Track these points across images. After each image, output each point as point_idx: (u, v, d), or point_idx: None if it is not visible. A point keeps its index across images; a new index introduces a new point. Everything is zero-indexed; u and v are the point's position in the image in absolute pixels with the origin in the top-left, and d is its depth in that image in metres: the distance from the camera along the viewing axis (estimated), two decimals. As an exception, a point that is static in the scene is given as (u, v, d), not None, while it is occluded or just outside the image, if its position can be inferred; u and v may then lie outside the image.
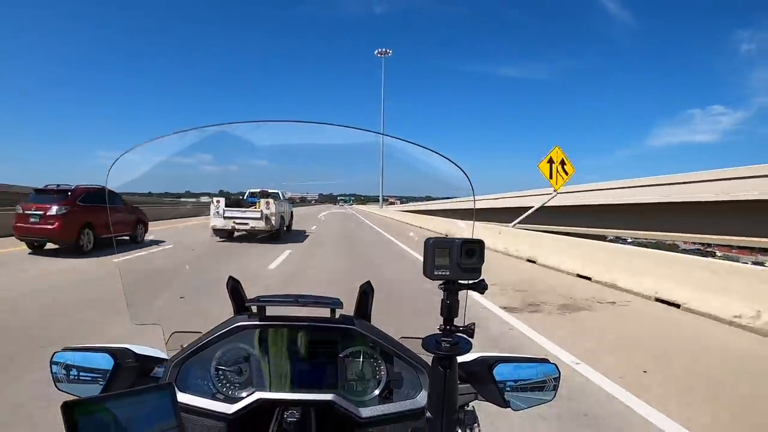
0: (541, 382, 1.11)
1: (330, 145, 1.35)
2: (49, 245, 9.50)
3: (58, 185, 9.74)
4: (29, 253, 9.31)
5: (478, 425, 1.19)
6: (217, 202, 8.21)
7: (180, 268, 3.80)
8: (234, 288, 1.28)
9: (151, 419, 0.74)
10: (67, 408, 0.67)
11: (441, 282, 0.79)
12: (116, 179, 1.19)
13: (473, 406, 1.17)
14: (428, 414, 0.81)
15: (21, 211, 9.27)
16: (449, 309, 0.79)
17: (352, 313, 1.27)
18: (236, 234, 8.81)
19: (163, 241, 10.43)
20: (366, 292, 1.30)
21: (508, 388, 1.08)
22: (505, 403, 1.08)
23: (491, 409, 1.15)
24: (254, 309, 1.20)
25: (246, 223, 8.21)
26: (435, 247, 0.78)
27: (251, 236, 9.16)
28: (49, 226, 8.98)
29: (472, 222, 1.40)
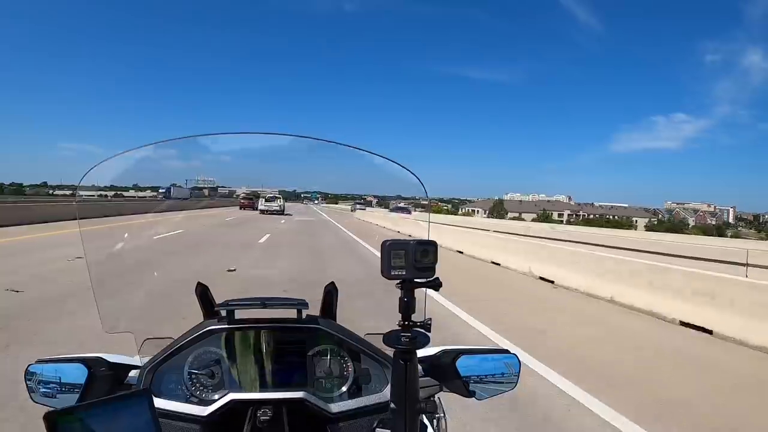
0: (503, 372, 1.18)
1: (295, 148, 1.41)
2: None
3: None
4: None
5: (444, 414, 1.25)
6: (263, 198, 12.72)
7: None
8: (203, 293, 1.30)
9: (130, 425, 0.77)
10: (50, 419, 0.70)
11: (398, 281, 0.84)
12: (95, 178, 1.28)
13: (438, 398, 1.23)
14: (392, 405, 0.85)
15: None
16: (406, 306, 0.84)
17: (318, 313, 1.31)
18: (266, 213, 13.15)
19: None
20: (331, 292, 1.34)
21: (472, 380, 1.14)
22: (469, 394, 1.14)
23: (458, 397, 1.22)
24: (223, 313, 1.22)
25: (272, 208, 12.77)
26: (391, 248, 0.83)
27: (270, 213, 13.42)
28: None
29: (429, 223, 1.48)
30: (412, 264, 0.83)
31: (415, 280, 0.84)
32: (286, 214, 11.33)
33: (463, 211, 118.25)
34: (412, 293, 0.85)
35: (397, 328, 0.85)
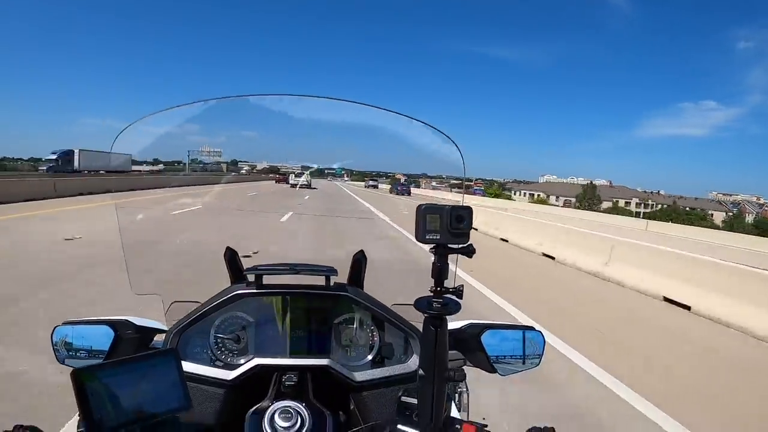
0: (527, 349, 1.16)
1: (322, 121, 1.36)
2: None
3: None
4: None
5: (467, 390, 1.23)
6: (293, 174, 12.85)
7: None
8: (231, 258, 1.30)
9: (157, 383, 0.77)
10: (76, 375, 0.70)
11: (432, 246, 0.82)
12: (122, 148, 1.27)
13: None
14: (420, 372, 0.84)
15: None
16: (440, 272, 0.81)
17: (345, 282, 1.30)
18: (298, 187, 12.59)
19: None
20: (359, 261, 1.33)
21: (496, 355, 1.13)
22: (492, 369, 1.13)
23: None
24: (251, 278, 1.23)
25: (301, 183, 12.57)
26: (426, 212, 0.80)
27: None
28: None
29: (462, 194, 1.43)
30: (447, 229, 0.80)
31: (449, 245, 0.81)
32: (312, 188, 12.24)
33: (523, 197, 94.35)
34: (446, 258, 0.82)
35: (429, 293, 0.82)
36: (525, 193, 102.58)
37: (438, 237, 0.80)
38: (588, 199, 74.71)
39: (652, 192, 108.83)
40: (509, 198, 76.07)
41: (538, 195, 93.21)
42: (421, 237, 0.80)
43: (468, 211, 0.81)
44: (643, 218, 35.89)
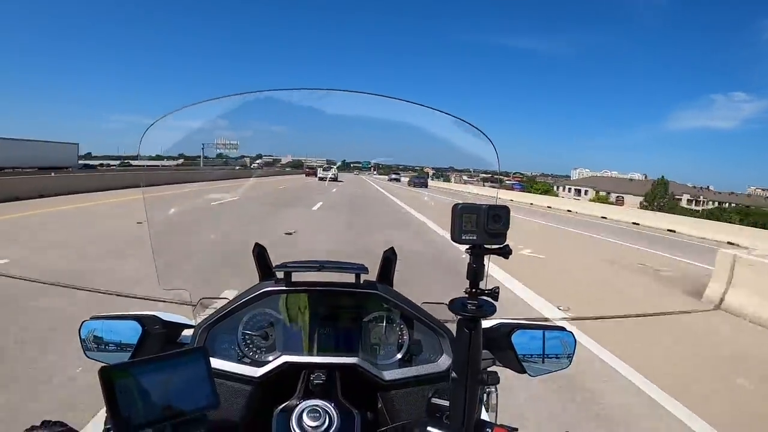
0: (558, 349, 1.14)
1: (350, 115, 1.36)
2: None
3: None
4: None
5: (496, 390, 1.21)
6: (321, 168, 13.52)
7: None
8: (260, 254, 1.30)
9: (185, 381, 0.77)
10: (105, 373, 0.69)
11: (468, 246, 0.79)
12: (150, 145, 1.24)
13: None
14: (453, 374, 0.82)
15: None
16: (475, 273, 0.79)
17: (375, 279, 1.29)
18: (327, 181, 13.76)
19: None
20: (389, 258, 1.31)
21: (525, 354, 1.11)
22: (522, 369, 1.11)
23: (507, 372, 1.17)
24: (280, 275, 1.22)
25: (328, 176, 13.48)
26: (463, 212, 0.78)
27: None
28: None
29: (497, 191, 1.39)
30: (484, 229, 0.77)
31: (486, 246, 0.79)
32: (339, 181, 13.14)
33: (567, 193, 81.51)
34: (482, 259, 0.80)
35: (463, 295, 0.80)
36: (568, 189, 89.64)
37: (474, 237, 0.77)
38: (659, 198, 57.72)
39: (702, 188, 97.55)
40: (556, 195, 66.32)
41: (597, 192, 78.85)
42: (457, 237, 0.78)
43: (505, 210, 0.78)
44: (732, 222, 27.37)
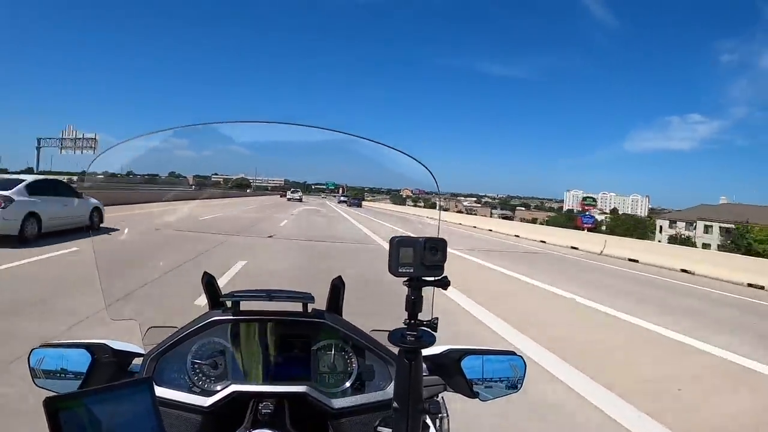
0: (508, 373, 1.17)
1: (305, 142, 1.42)
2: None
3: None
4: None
5: (447, 414, 1.23)
6: (291, 190, 14.75)
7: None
8: (209, 283, 1.29)
9: (131, 413, 0.76)
10: (50, 403, 0.69)
11: (405, 279, 0.82)
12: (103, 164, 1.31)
13: (442, 397, 1.21)
14: (395, 404, 0.83)
15: None
16: (413, 304, 0.82)
17: (324, 307, 1.30)
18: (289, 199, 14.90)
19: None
20: (337, 287, 1.33)
21: (476, 380, 1.13)
22: (473, 394, 1.13)
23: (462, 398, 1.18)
24: (228, 304, 1.22)
25: (292, 197, 14.92)
26: (399, 245, 0.80)
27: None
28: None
29: (439, 220, 1.45)
30: (421, 261, 0.81)
31: (423, 278, 0.82)
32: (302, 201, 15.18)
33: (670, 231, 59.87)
34: (420, 291, 0.83)
35: (403, 326, 0.83)
36: (670, 223, 65.56)
37: (411, 270, 0.81)
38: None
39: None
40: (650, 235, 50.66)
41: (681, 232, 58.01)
42: (394, 270, 0.81)
43: (443, 242, 0.82)
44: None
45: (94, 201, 10.70)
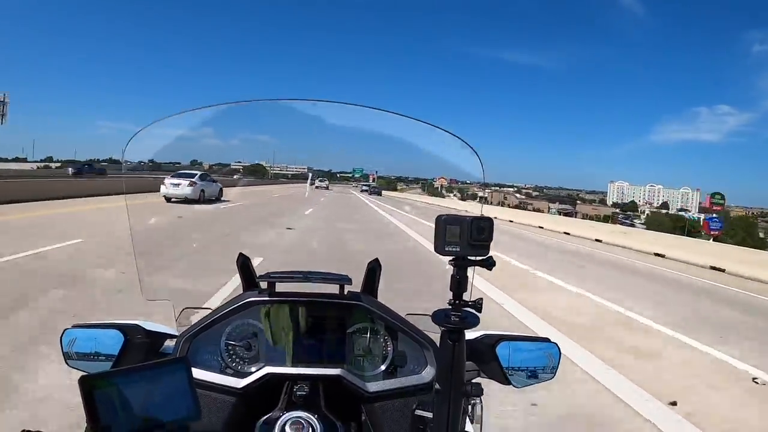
0: (543, 360, 1.15)
1: (332, 125, 1.37)
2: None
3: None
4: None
5: (481, 400, 1.22)
6: (319, 179, 15.66)
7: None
8: (244, 264, 1.29)
9: (166, 391, 0.76)
10: (85, 382, 0.68)
11: (451, 258, 0.80)
12: (134, 152, 1.28)
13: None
14: (436, 386, 0.81)
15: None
16: (458, 284, 0.79)
17: (359, 290, 1.28)
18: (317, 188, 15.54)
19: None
20: (374, 269, 1.31)
21: (510, 366, 1.11)
22: (507, 381, 1.11)
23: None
24: (264, 285, 1.21)
25: (319, 185, 15.66)
26: (446, 223, 0.78)
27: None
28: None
29: (481, 203, 1.41)
30: (467, 240, 0.77)
31: (469, 257, 0.79)
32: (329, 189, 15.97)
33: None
34: (465, 271, 0.80)
35: (447, 306, 0.80)
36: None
37: (458, 249, 0.78)
38: None
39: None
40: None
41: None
42: (440, 248, 0.78)
43: (489, 222, 0.79)
44: None
45: (219, 184, 14.34)
